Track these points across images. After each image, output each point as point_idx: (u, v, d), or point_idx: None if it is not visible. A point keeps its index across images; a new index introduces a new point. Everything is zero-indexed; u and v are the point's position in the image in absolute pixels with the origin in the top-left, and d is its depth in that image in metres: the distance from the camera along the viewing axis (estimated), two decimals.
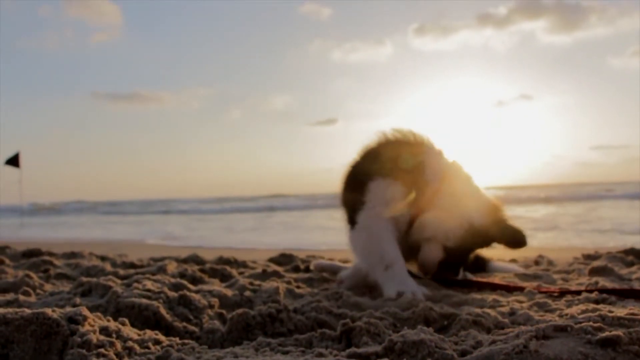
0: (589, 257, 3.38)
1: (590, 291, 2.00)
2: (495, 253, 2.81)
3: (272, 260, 3.48)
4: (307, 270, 3.01)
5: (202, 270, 2.72)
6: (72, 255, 3.74)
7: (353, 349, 1.27)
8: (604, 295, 1.92)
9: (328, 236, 8.06)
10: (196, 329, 1.72)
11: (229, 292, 2.07)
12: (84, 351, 1.21)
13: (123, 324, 1.49)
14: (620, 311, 1.39)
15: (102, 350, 1.23)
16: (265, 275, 2.69)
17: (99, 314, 1.50)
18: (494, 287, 2.28)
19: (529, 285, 2.28)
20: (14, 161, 13.00)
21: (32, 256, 3.56)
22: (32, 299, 2.02)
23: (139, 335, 1.43)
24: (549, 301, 1.92)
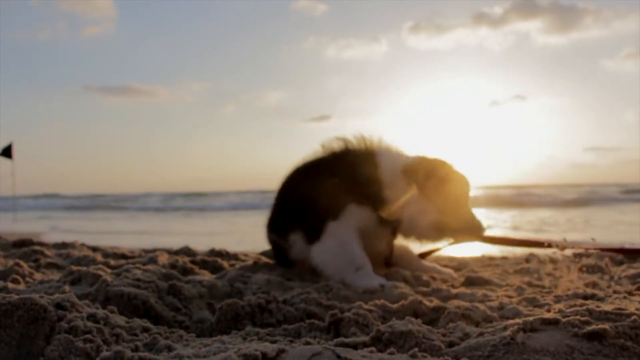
0: (579, 256, 3.39)
1: None
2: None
3: (264, 253, 3.48)
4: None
5: (193, 262, 2.72)
6: (63, 245, 3.72)
7: (341, 339, 1.27)
8: (593, 291, 1.94)
9: None
10: (185, 319, 1.72)
11: (219, 283, 2.06)
12: (71, 337, 1.21)
13: (112, 311, 1.49)
14: (607, 306, 1.39)
15: (89, 336, 1.23)
16: (256, 267, 2.69)
17: (87, 301, 1.49)
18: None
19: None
20: (6, 152, 12.87)
21: (23, 246, 3.54)
22: (21, 286, 2.00)
23: (127, 322, 1.43)
24: (538, 296, 1.93)
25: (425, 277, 2.41)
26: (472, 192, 2.55)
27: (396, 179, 2.39)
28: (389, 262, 2.60)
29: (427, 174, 2.39)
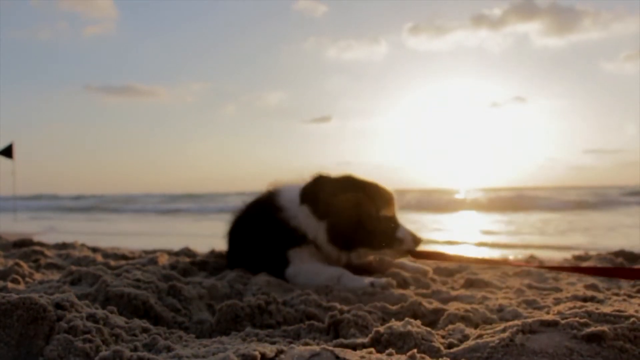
0: (579, 258, 3.39)
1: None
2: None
3: None
4: None
5: (193, 263, 2.72)
6: (64, 246, 3.72)
7: (340, 340, 1.27)
8: (593, 293, 1.94)
9: None
10: (185, 320, 1.72)
11: (219, 284, 2.06)
12: (70, 337, 1.21)
13: (111, 312, 1.49)
14: (606, 308, 1.39)
15: (88, 336, 1.23)
16: None
17: (87, 301, 1.49)
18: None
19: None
20: (7, 152, 12.85)
21: (23, 246, 3.54)
22: (21, 286, 2.01)
23: (126, 323, 1.43)
24: (538, 299, 1.93)
25: (425, 279, 2.41)
26: (399, 204, 2.51)
27: (298, 209, 2.45)
28: (368, 270, 2.57)
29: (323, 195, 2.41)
